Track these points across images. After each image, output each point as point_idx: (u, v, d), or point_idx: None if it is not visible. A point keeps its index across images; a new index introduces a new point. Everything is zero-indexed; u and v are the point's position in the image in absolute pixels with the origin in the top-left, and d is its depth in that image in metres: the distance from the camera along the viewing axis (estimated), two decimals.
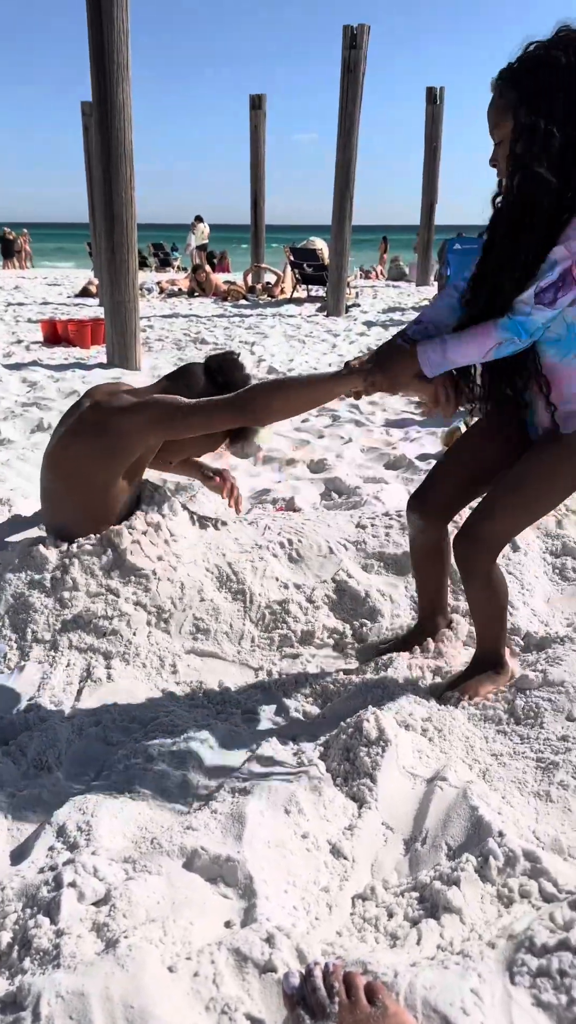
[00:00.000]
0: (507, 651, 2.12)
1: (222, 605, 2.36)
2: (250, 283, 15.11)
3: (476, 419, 2.07)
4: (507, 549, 2.53)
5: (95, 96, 6.62)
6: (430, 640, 2.23)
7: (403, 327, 1.97)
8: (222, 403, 2.14)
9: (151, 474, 3.26)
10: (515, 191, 1.68)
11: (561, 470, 1.84)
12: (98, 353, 7.93)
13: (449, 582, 2.26)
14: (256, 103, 16.40)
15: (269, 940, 1.23)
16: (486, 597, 1.99)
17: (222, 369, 2.45)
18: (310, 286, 14.23)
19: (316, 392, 2.05)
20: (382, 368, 1.85)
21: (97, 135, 6.70)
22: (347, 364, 1.94)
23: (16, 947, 1.24)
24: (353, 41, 10.41)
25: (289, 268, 14.32)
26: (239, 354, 2.59)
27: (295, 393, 2.08)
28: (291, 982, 1.11)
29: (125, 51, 6.53)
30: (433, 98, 15.89)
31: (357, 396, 1.98)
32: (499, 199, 1.79)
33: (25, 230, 26.43)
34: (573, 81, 1.59)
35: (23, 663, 2.16)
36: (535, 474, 1.85)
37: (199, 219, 21.10)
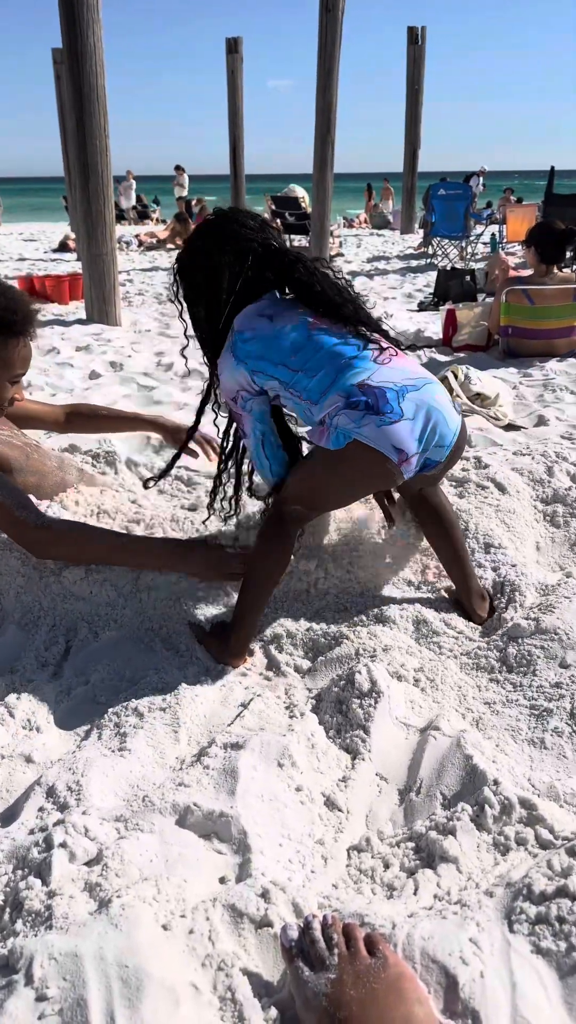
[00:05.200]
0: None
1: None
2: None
3: None
4: (497, 495, 2.49)
5: (65, 42, 6.37)
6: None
7: None
8: (26, 517, 2.05)
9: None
10: None
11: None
12: (77, 309, 7.77)
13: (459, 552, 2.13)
14: (232, 47, 15.94)
15: (264, 895, 1.21)
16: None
17: None
18: (292, 236, 13.96)
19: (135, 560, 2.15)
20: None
21: (68, 82, 6.47)
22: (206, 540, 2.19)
23: (8, 910, 1.22)
24: None
25: (271, 217, 14.04)
26: None
27: (101, 554, 2.12)
28: (289, 935, 1.09)
29: None
30: (415, 38, 15.47)
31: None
32: None
33: None
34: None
35: (5, 625, 2.12)
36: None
37: (180, 169, 20.57)
